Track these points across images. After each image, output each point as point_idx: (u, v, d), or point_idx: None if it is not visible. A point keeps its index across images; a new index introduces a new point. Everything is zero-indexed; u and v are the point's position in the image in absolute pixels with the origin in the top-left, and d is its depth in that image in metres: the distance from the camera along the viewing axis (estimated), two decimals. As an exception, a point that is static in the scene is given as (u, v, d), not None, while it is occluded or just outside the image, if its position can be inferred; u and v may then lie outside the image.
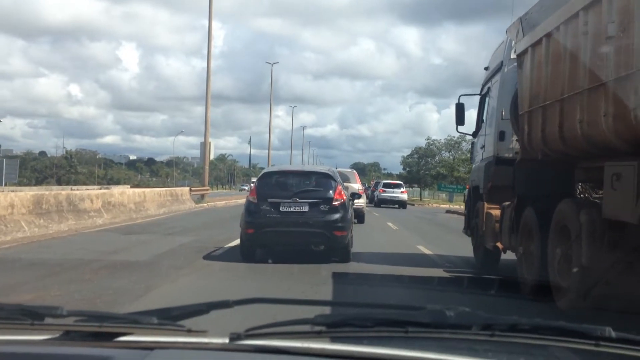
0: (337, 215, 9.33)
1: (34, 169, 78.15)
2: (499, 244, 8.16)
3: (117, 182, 67.85)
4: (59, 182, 64.55)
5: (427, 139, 62.05)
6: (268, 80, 61.65)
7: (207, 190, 32.69)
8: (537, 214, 6.73)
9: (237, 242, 10.26)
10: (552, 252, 6.19)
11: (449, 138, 57.09)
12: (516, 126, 7.49)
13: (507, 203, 7.80)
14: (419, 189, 66.68)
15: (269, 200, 9.42)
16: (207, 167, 34.97)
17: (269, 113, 61.79)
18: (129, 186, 45.48)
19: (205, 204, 28.49)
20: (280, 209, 9.35)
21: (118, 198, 17.98)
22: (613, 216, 4.95)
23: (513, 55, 7.88)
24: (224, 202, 32.49)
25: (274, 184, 9.84)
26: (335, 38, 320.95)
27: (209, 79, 31.68)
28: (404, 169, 68.20)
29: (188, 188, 28.72)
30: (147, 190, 22.52)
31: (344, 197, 9.67)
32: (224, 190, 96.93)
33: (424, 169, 61.79)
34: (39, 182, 65.03)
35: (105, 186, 44.42)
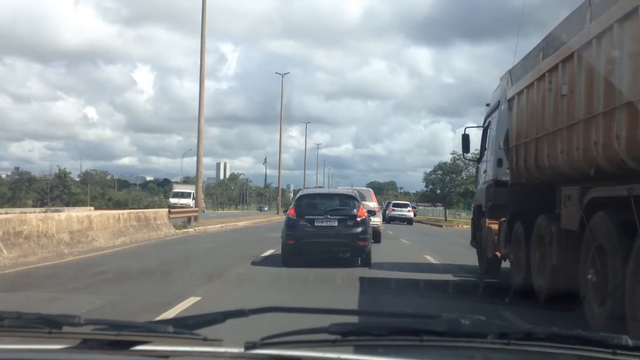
0: (360, 229, 12.16)
1: (29, 189, 76.56)
2: (497, 253, 10.32)
3: (125, 204, 65.93)
4: (67, 204, 63.10)
5: (453, 154, 58.05)
6: (282, 101, 63.09)
7: (196, 211, 29.89)
8: (524, 227, 8.90)
9: (189, 302, 7.97)
10: (533, 256, 8.38)
11: (476, 152, 54.63)
12: (507, 156, 9.67)
13: (503, 219, 9.96)
14: (442, 209, 65.25)
15: (306, 217, 12.24)
16: (200, 185, 32.65)
17: (280, 128, 62.85)
18: (91, 208, 40.29)
19: (192, 229, 25.10)
20: (315, 224, 12.19)
21: (37, 226, 13.52)
22: (567, 226, 7.13)
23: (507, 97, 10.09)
24: (219, 225, 29.25)
25: (309, 204, 12.64)
26: (347, 59, 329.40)
27: (202, 85, 30.34)
28: (426, 186, 65.88)
29: (166, 210, 25.09)
30: (94, 213, 18.34)
31: (365, 214, 12.55)
32: (233, 211, 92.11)
33: (449, 186, 59.99)
34: (44, 204, 63.13)
35: (55, 208, 39.01)
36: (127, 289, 9.33)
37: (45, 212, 24.47)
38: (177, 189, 62.33)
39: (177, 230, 23.36)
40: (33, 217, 14.02)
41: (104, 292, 8.87)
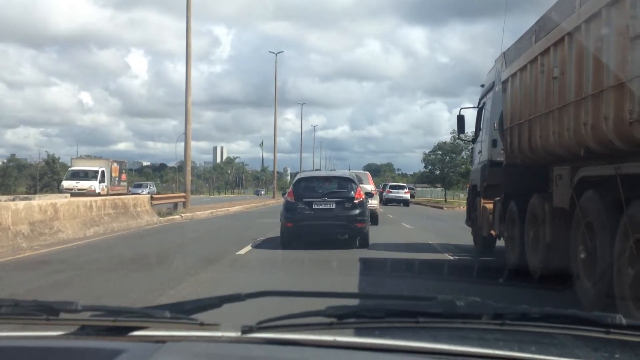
0: (357, 211, 12.51)
1: (19, 176, 75.19)
2: (492, 232, 10.64)
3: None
4: (60, 190, 62.33)
5: (452, 133, 54.75)
6: (277, 83, 63.12)
7: (183, 197, 28.36)
8: (518, 206, 9.21)
9: None
10: (527, 235, 8.69)
11: (471, 133, 50.03)
12: (502, 137, 9.95)
13: (498, 198, 10.26)
14: (441, 190, 65.15)
15: (304, 200, 12.57)
16: (189, 169, 30.49)
17: (274, 109, 63.06)
18: (67, 195, 32.53)
19: (178, 216, 23.77)
20: (313, 207, 12.53)
21: None
22: (559, 205, 7.43)
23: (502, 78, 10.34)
24: (209, 211, 28.16)
25: (307, 187, 12.97)
26: (342, 40, 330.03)
27: (189, 63, 29.56)
28: (425, 167, 64.65)
29: (148, 196, 23.39)
30: (61, 201, 16.45)
31: (363, 196, 12.93)
32: (229, 195, 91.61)
33: (449, 166, 59.38)
34: (36, 191, 60.99)
35: (24, 196, 34.41)
36: (77, 293, 7.76)
37: (14, 199, 22.99)
38: (76, 166, 42.64)
39: (161, 218, 21.99)
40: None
41: (47, 299, 6.65)
